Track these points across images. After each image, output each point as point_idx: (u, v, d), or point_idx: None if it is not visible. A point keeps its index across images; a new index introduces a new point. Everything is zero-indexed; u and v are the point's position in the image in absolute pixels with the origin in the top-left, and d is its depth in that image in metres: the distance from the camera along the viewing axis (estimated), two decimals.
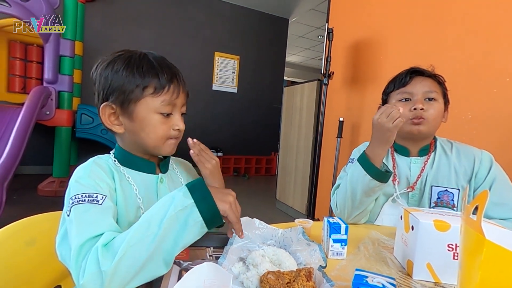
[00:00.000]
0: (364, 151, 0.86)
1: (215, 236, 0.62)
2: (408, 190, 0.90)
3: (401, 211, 0.66)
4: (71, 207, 0.50)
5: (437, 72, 0.93)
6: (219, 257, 0.55)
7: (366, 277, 0.41)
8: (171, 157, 0.77)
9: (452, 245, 0.56)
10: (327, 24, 2.21)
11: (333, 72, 2.11)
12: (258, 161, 5.29)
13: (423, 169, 0.91)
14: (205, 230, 0.49)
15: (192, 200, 0.48)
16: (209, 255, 0.58)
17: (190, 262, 0.53)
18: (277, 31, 5.40)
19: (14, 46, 3.38)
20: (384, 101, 0.99)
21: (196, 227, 0.48)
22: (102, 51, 4.07)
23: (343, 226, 0.63)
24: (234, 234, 0.59)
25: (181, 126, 0.65)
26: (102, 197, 0.53)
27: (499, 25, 1.33)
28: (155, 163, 0.69)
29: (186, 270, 0.50)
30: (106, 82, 0.59)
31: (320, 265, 0.49)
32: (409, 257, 0.60)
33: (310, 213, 2.37)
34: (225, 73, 5.06)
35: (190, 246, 0.59)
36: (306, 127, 2.72)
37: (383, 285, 0.39)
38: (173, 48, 4.58)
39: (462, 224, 0.33)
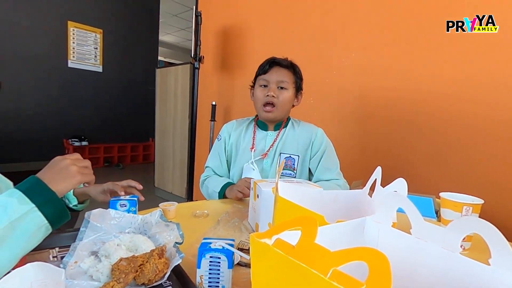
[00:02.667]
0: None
1: (61, 235, 0.56)
2: (261, 157, 1.09)
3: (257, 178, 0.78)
4: None
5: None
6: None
7: (210, 243, 0.47)
8: None
9: None
10: (195, 7, 2.20)
11: (203, 56, 2.14)
12: (133, 148, 4.88)
13: (275, 141, 1.11)
14: (49, 231, 0.46)
15: (33, 205, 0.43)
16: (53, 257, 0.52)
17: None
18: (148, 6, 4.95)
19: None
20: (254, 83, 1.14)
21: (39, 232, 0.44)
22: None
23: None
24: (82, 229, 0.55)
25: None
26: None
27: (330, 28, 1.67)
28: None
29: None
30: None
31: (176, 242, 0.52)
32: (257, 220, 0.72)
33: (190, 196, 2.41)
34: (85, 48, 4.31)
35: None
36: (182, 111, 2.69)
37: (222, 247, 0.46)
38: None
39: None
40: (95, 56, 4.44)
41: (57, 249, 0.54)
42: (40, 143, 3.96)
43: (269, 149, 1.10)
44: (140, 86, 4.95)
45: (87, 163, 0.54)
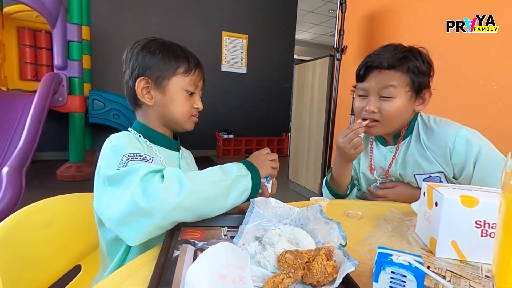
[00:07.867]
0: (332, 172, 0.95)
1: (230, 216, 0.60)
2: (384, 176, 0.91)
3: None
4: (127, 162, 0.55)
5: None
6: (233, 236, 0.54)
7: (390, 255, 0.39)
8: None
9: (480, 221, 0.53)
10: None
11: (346, 46, 2.01)
12: (269, 142, 5.26)
13: (393, 158, 0.88)
14: (247, 198, 0.60)
15: (249, 173, 0.59)
16: (224, 235, 0.57)
17: (205, 242, 0.52)
18: (286, 7, 5.18)
19: (23, 33, 3.39)
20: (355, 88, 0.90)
21: (243, 194, 0.58)
22: (110, 36, 4.03)
23: None
24: (248, 213, 0.57)
25: (200, 105, 0.77)
26: (150, 158, 0.60)
27: None
28: (176, 142, 0.78)
29: (201, 250, 0.49)
30: (143, 60, 0.68)
31: (340, 244, 0.47)
32: (432, 234, 0.57)
33: None
34: (234, 53, 4.95)
35: (205, 226, 0.58)
36: (318, 105, 2.66)
37: (409, 263, 0.36)
38: (180, 30, 4.49)
39: (502, 195, 0.30)
40: (241, 60, 5.04)
41: (226, 228, 0.59)
42: (200, 135, 4.85)
43: (388, 169, 0.89)
44: (276, 84, 5.29)
45: (275, 156, 0.68)
